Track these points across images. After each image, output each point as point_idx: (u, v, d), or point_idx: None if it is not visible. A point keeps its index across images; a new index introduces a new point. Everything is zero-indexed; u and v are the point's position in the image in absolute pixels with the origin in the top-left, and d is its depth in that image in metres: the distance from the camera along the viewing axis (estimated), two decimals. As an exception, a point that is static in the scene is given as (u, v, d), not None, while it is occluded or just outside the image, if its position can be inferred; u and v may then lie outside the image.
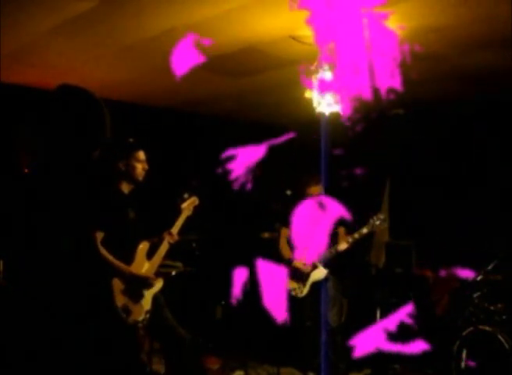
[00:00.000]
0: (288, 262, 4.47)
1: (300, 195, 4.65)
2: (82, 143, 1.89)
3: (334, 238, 4.39)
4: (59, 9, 3.24)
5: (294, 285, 4.40)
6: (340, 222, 4.50)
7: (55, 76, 4.70)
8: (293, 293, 4.39)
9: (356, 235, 4.27)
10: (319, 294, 4.28)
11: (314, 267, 4.34)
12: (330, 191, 4.50)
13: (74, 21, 3.41)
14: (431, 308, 4.71)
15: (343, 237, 4.40)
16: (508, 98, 4.95)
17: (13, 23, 3.44)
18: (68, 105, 1.92)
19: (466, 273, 4.01)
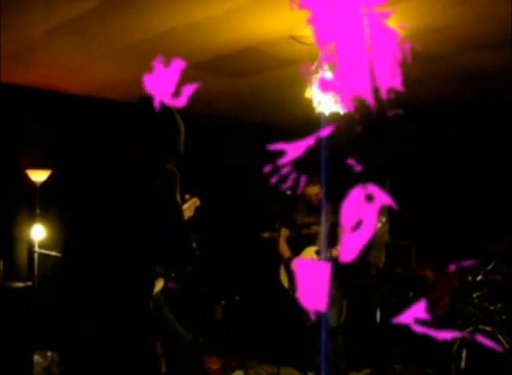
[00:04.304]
0: (287, 262, 4.47)
1: (297, 195, 4.65)
2: (158, 154, 1.93)
3: (333, 239, 4.39)
4: (59, 9, 3.24)
5: (293, 285, 4.40)
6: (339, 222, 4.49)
7: (55, 76, 4.70)
8: (291, 292, 4.39)
9: None
10: None
11: None
12: (330, 192, 4.50)
13: (74, 21, 3.41)
14: (431, 308, 4.70)
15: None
16: (508, 98, 4.95)
17: (13, 23, 3.44)
18: (148, 118, 1.95)
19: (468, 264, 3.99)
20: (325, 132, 1.00)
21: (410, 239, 5.23)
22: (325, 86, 0.94)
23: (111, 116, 2.07)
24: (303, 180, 4.50)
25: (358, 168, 1.00)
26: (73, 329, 1.84)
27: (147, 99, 2.01)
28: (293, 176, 1.10)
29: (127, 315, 1.83)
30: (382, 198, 0.91)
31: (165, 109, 1.96)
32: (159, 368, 2.13)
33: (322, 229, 4.40)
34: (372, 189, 0.91)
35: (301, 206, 4.59)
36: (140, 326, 1.90)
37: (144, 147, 1.91)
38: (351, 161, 1.01)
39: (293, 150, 0.99)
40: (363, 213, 0.91)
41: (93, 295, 1.82)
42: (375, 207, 0.92)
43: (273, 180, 1.18)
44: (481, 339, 1.03)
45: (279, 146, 0.99)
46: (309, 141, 0.99)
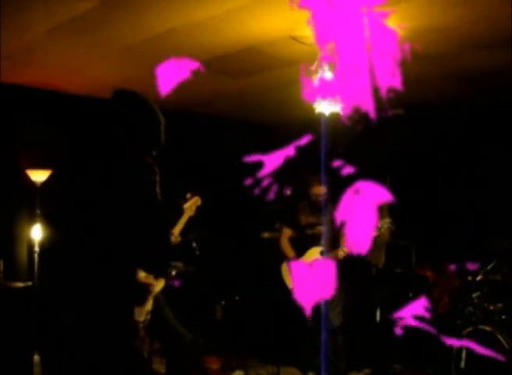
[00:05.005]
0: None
1: (300, 195, 4.65)
2: (136, 148, 1.91)
3: (336, 239, 4.39)
4: (59, 10, 3.24)
5: None
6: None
7: (55, 76, 4.70)
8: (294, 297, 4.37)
9: None
10: None
11: None
12: (331, 192, 4.50)
13: (74, 21, 3.41)
14: (431, 308, 4.70)
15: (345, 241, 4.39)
16: (508, 98, 4.95)
17: (14, 24, 3.44)
18: (124, 112, 1.92)
19: (471, 266, 4.00)
20: (305, 140, 1.00)
21: (410, 239, 5.23)
22: (324, 90, 0.94)
23: (93, 114, 2.04)
24: (307, 180, 4.51)
25: (348, 170, 1.00)
26: (54, 330, 1.82)
27: (122, 94, 1.98)
28: (275, 187, 1.10)
29: (110, 316, 1.81)
30: (382, 195, 0.91)
31: (142, 101, 1.93)
32: (145, 371, 2.13)
33: (325, 229, 4.41)
34: (371, 187, 0.92)
35: (304, 206, 4.58)
36: (124, 329, 1.88)
37: (131, 141, 1.89)
38: (339, 163, 1.01)
39: (272, 161, 0.98)
40: (360, 210, 0.91)
41: (75, 294, 1.80)
42: (373, 204, 0.92)
43: (255, 192, 1.18)
44: (479, 348, 1.03)
45: (256, 158, 0.98)
46: (288, 151, 1.00)
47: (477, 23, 3.40)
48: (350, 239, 0.90)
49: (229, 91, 5.19)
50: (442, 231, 5.19)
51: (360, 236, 0.91)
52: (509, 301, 3.93)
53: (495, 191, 5.02)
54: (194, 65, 0.98)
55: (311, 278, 0.95)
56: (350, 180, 1.00)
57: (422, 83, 4.50)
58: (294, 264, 0.95)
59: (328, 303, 4.21)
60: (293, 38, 3.71)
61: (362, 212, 0.92)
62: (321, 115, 3.54)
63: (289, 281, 4.47)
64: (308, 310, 0.94)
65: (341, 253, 4.25)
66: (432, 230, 5.24)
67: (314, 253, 4.42)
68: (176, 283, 4.11)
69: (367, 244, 0.91)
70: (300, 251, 4.49)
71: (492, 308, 3.92)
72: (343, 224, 0.91)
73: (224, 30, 3.60)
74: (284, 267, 4.58)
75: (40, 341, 1.90)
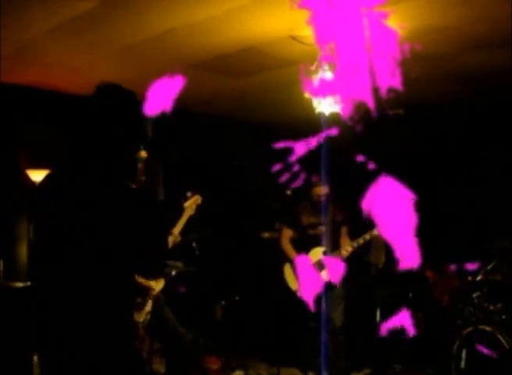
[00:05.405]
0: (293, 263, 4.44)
1: (300, 195, 4.64)
2: (125, 144, 1.89)
3: (336, 239, 4.39)
4: (59, 9, 3.24)
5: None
6: (343, 221, 4.48)
7: (55, 76, 4.70)
8: (299, 293, 4.36)
9: (361, 240, 4.24)
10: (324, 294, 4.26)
11: (321, 268, 4.32)
12: (333, 191, 4.50)
13: (74, 21, 3.41)
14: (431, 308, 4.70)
15: (346, 241, 4.38)
16: (508, 98, 4.95)
17: (14, 24, 3.44)
18: (124, 112, 1.89)
19: (471, 266, 4.01)
20: (330, 133, 1.00)
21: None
22: (323, 90, 0.95)
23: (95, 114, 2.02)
24: (311, 180, 4.49)
25: (371, 166, 1.00)
26: (54, 330, 1.81)
27: (117, 91, 1.96)
28: (303, 175, 1.11)
29: (110, 316, 1.80)
30: (407, 193, 0.92)
31: (129, 94, 1.91)
32: (145, 371, 2.13)
33: (326, 228, 4.40)
34: (397, 185, 0.92)
35: (305, 206, 4.56)
36: (124, 329, 1.87)
37: (131, 141, 1.88)
38: (361, 158, 1.02)
39: (300, 148, 0.99)
40: (396, 211, 0.92)
41: (75, 294, 1.79)
42: (408, 202, 0.92)
43: (283, 178, 1.19)
44: (479, 348, 1.03)
45: (285, 144, 0.99)
46: (319, 138, 1.00)
47: (477, 23, 3.40)
48: (399, 248, 0.90)
49: (229, 90, 5.19)
50: (442, 231, 5.18)
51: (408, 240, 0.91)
52: (509, 301, 3.93)
53: (495, 191, 5.02)
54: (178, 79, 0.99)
55: (316, 277, 0.96)
56: (352, 179, 1.01)
57: (422, 83, 4.50)
58: (300, 262, 0.96)
59: (331, 302, 4.20)
60: (293, 38, 3.71)
61: (399, 214, 0.92)
62: (321, 115, 3.54)
63: (293, 283, 4.45)
64: (313, 308, 0.94)
65: (344, 253, 4.25)
66: (431, 230, 5.24)
67: (317, 253, 4.41)
68: (182, 289, 4.11)
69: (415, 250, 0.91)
70: (303, 252, 4.47)
71: (492, 308, 3.92)
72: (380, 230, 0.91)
73: (224, 30, 3.60)
74: (287, 269, 4.55)
75: (39, 341, 1.88)
